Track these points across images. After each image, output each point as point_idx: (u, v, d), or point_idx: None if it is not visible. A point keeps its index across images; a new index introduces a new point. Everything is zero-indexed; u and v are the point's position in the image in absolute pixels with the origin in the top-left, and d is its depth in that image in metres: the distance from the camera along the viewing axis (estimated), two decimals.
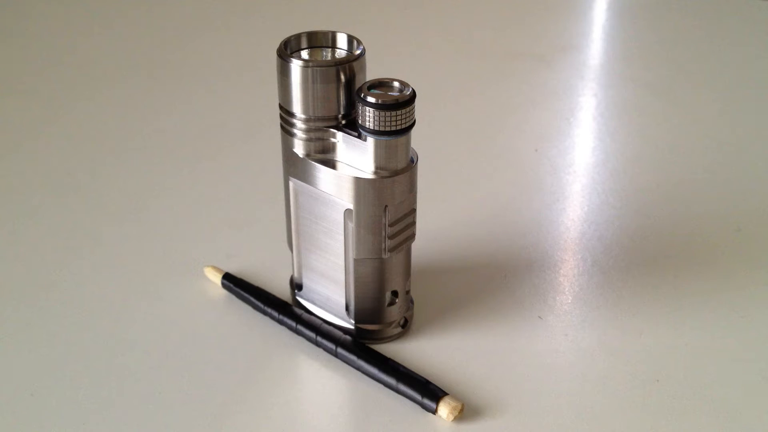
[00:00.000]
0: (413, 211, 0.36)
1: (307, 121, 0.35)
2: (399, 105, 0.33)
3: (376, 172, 0.34)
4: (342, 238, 0.36)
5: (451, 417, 0.34)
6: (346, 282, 0.37)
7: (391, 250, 0.36)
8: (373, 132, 0.33)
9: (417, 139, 0.35)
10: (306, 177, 0.36)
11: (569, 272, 0.43)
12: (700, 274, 0.43)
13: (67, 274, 0.43)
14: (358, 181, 0.34)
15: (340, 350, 0.37)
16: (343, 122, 0.35)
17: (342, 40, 0.36)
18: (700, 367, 0.37)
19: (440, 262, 0.43)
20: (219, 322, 0.40)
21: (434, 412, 0.34)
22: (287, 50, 0.35)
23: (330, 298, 0.38)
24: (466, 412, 0.34)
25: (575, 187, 0.51)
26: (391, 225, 0.35)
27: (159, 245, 0.45)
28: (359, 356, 0.36)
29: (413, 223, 0.37)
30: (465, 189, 0.51)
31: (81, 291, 0.42)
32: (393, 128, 0.33)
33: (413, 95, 0.34)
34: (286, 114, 0.35)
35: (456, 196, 0.50)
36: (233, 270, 0.42)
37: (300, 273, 0.39)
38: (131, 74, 0.65)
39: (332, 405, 0.36)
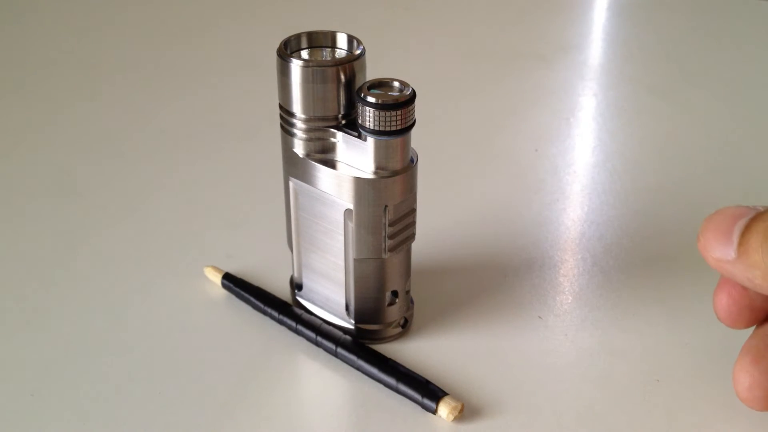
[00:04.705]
0: (413, 211, 0.36)
1: (307, 121, 0.35)
2: (399, 105, 0.33)
3: (376, 172, 0.34)
4: (342, 238, 0.36)
5: (451, 417, 0.34)
6: (346, 282, 0.37)
7: (391, 250, 0.36)
8: (373, 132, 0.33)
9: (417, 139, 0.35)
10: (306, 177, 0.36)
11: (569, 272, 0.43)
12: (700, 274, 0.42)
13: (66, 274, 0.43)
14: (358, 181, 0.34)
15: (340, 350, 0.37)
16: (343, 122, 0.35)
17: (342, 40, 0.36)
18: (700, 367, 0.37)
19: (440, 262, 0.43)
20: (219, 322, 0.40)
21: (434, 412, 0.34)
22: (287, 50, 0.35)
23: (330, 298, 0.38)
24: (466, 412, 0.34)
25: (575, 187, 0.51)
26: (391, 225, 0.35)
27: (159, 245, 0.45)
28: (359, 356, 0.36)
29: (413, 223, 0.37)
30: (465, 189, 0.51)
31: (80, 291, 0.42)
32: (393, 128, 0.33)
33: (413, 95, 0.34)
34: (286, 114, 0.35)
35: (456, 196, 0.50)
36: (233, 270, 0.42)
37: (300, 273, 0.39)
38: (130, 74, 0.65)
39: (332, 405, 0.36)
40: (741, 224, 0.30)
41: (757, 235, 0.30)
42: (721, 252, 0.31)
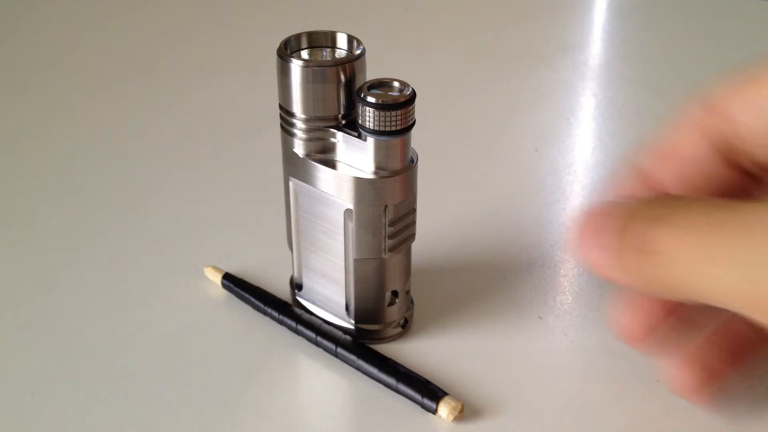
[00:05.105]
0: (413, 211, 0.36)
1: (307, 121, 0.35)
2: (399, 105, 0.33)
3: (376, 172, 0.34)
4: (342, 238, 0.36)
5: (451, 417, 0.34)
6: (346, 282, 0.37)
7: (391, 250, 0.36)
8: (373, 132, 0.33)
9: (417, 139, 0.35)
10: (306, 177, 0.36)
11: (569, 272, 0.43)
12: None
13: (66, 274, 0.43)
14: (358, 181, 0.34)
15: (340, 350, 0.37)
16: (343, 122, 0.35)
17: (342, 40, 0.36)
18: None
19: (440, 262, 0.43)
20: (219, 322, 0.40)
21: (434, 412, 0.34)
22: (287, 50, 0.35)
23: (330, 298, 0.38)
24: (466, 412, 0.34)
25: (575, 187, 0.51)
26: (391, 225, 0.35)
27: (159, 245, 0.45)
28: (359, 356, 0.36)
29: (413, 223, 0.37)
30: (465, 189, 0.51)
31: (81, 291, 0.42)
32: (393, 128, 0.33)
33: (413, 95, 0.34)
34: (286, 114, 0.35)
35: (456, 196, 0.50)
36: (233, 270, 0.42)
37: (300, 273, 0.39)
38: (131, 74, 0.65)
39: (332, 405, 0.36)
40: (616, 225, 0.28)
41: (631, 239, 0.27)
42: (596, 257, 0.28)
